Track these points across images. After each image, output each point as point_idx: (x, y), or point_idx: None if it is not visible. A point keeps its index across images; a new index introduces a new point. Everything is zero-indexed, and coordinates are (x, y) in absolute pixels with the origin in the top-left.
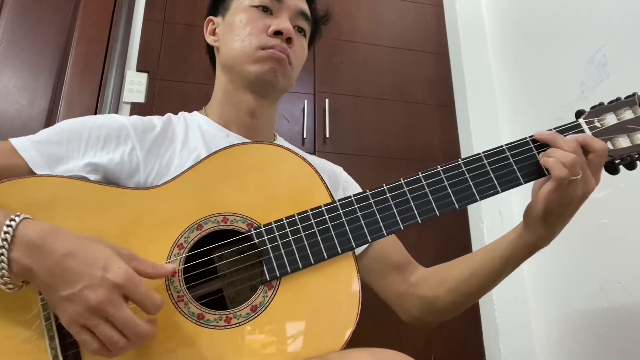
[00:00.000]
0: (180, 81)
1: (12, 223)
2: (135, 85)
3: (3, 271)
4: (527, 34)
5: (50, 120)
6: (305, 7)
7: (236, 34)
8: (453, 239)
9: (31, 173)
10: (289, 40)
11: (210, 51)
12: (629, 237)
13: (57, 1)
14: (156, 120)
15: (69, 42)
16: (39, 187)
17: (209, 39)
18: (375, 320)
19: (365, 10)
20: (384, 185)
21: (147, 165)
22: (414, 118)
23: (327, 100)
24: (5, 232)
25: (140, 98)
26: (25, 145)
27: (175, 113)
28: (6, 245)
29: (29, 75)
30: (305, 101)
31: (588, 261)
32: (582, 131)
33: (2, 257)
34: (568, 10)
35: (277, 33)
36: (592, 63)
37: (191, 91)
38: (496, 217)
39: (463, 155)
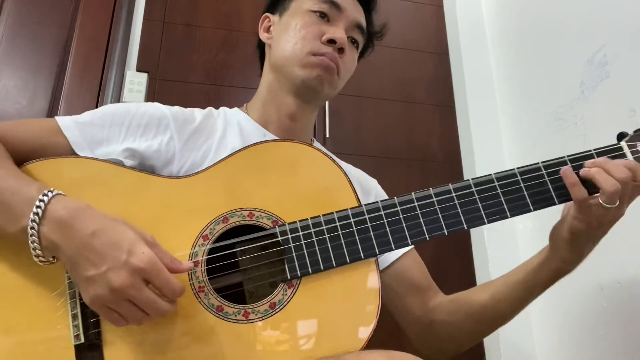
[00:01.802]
0: (180, 81)
1: (45, 198)
2: (135, 85)
3: (35, 244)
4: (527, 34)
5: None
6: (362, 20)
7: (290, 36)
8: (453, 239)
9: (72, 152)
10: (341, 50)
11: (261, 46)
12: (629, 237)
13: (57, 1)
14: (197, 112)
15: (69, 42)
16: (75, 168)
17: (263, 36)
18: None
19: None
20: (413, 193)
21: (183, 156)
22: (414, 118)
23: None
24: (37, 207)
25: (140, 98)
26: (69, 125)
27: (219, 107)
28: (37, 219)
29: (29, 75)
30: None
31: (588, 261)
32: (624, 155)
33: (33, 230)
34: (568, 10)
35: (331, 41)
36: (592, 63)
37: (191, 91)
38: None
39: (463, 155)
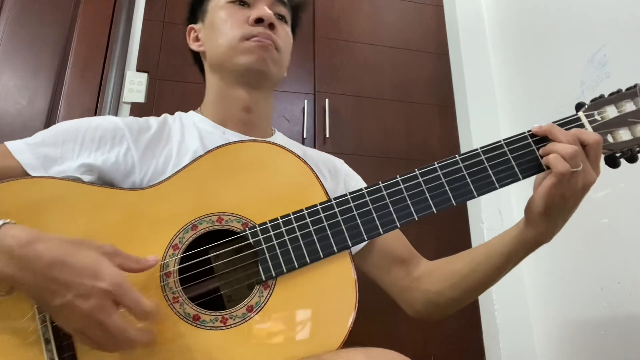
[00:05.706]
0: (180, 81)
1: None
2: (135, 85)
3: None
4: (527, 34)
5: (50, 120)
6: None
7: (219, 31)
8: (453, 239)
9: (25, 174)
10: (271, 26)
11: (198, 60)
12: (629, 237)
13: (57, 1)
14: (152, 120)
15: (69, 42)
16: (33, 189)
17: (194, 46)
18: (375, 320)
19: (365, 10)
20: (380, 182)
21: (143, 165)
22: (414, 118)
23: (327, 100)
24: None
25: (140, 98)
26: (20, 148)
27: (175, 113)
28: None
29: (29, 75)
30: (305, 101)
31: (588, 261)
32: (582, 125)
33: None
34: (568, 10)
35: (259, 21)
36: (592, 63)
37: (191, 91)
38: (496, 216)
39: None
